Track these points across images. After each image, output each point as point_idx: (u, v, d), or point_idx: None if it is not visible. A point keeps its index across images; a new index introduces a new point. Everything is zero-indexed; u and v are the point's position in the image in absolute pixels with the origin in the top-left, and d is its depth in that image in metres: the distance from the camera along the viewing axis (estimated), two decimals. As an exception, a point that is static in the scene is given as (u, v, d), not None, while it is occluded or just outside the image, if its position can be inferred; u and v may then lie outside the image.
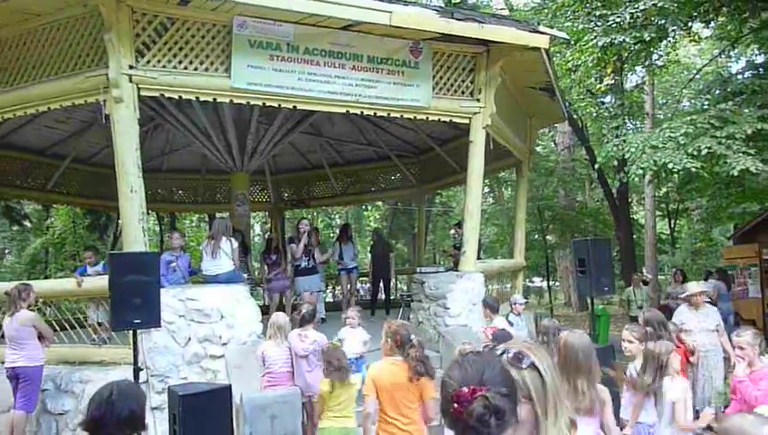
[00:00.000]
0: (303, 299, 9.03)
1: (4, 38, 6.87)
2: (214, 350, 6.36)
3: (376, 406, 4.21)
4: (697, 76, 19.45)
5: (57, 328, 7.10)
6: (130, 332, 5.34)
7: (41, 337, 6.18)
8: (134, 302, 4.99)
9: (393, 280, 13.33)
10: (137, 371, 5.15)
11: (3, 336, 6.33)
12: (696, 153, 9.27)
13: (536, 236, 20.79)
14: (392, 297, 12.69)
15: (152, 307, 5.13)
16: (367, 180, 15.27)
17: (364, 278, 14.21)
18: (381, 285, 12.19)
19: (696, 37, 13.34)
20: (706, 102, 15.30)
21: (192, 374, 6.25)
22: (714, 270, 13.69)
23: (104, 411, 2.50)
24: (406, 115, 7.88)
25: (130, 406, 2.55)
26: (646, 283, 12.86)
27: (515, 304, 8.12)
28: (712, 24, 12.95)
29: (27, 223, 22.04)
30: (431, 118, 8.00)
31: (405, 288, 15.83)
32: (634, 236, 19.06)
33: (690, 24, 11.51)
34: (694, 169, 9.24)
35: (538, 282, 29.12)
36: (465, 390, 1.48)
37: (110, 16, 6.10)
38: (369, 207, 29.06)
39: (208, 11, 6.54)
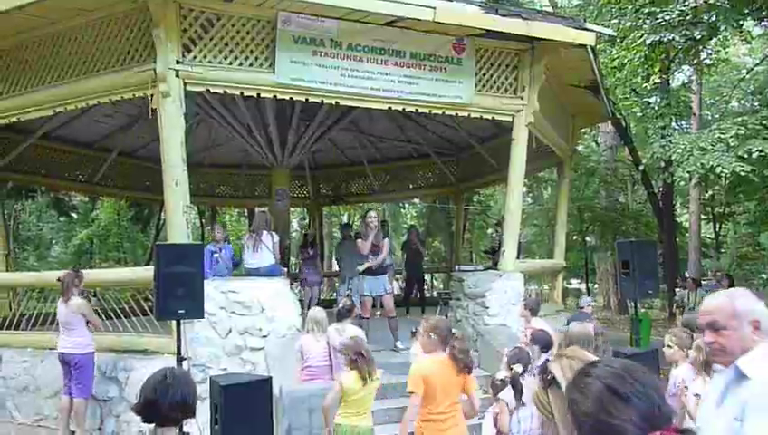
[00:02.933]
0: (363, 302, 8.05)
1: (58, 33, 7.06)
2: (254, 342, 6.44)
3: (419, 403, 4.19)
4: (748, 76, 18.85)
5: (102, 317, 7.28)
6: (173, 322, 5.44)
7: (88, 323, 6.35)
8: (178, 292, 5.07)
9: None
10: (180, 360, 5.23)
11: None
12: (746, 156, 9.00)
13: (575, 238, 20.44)
14: (427, 295, 12.67)
15: (196, 298, 5.21)
16: (405, 178, 15.29)
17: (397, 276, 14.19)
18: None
19: (748, 36, 12.91)
20: (758, 103, 14.85)
21: (232, 365, 6.34)
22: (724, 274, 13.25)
23: (159, 394, 2.52)
24: (448, 112, 7.83)
25: (183, 391, 2.58)
26: (683, 287, 12.56)
27: (585, 305, 8.28)
28: (764, 21, 12.53)
29: (74, 214, 22.66)
30: (473, 115, 7.94)
31: (441, 286, 15.77)
32: (677, 240, 18.60)
33: (742, 22, 11.14)
34: (743, 173, 8.96)
35: (576, 284, 28.65)
36: None
37: (158, 12, 6.22)
38: (407, 205, 29.02)
39: (253, 7, 6.61)
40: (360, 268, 8.02)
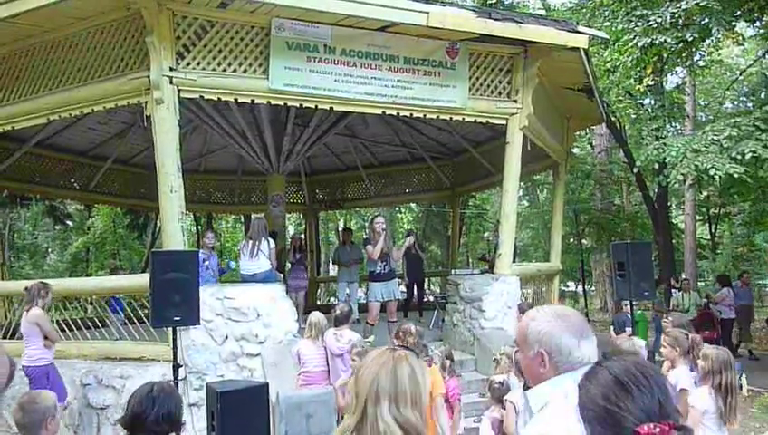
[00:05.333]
0: (370, 308, 7.98)
1: (52, 42, 7.05)
2: (250, 348, 6.43)
3: None
4: (741, 77, 18.96)
5: (99, 325, 7.27)
6: (170, 329, 5.43)
7: (47, 337, 6.16)
8: (174, 299, 5.06)
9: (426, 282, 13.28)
10: (176, 367, 5.22)
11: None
12: (739, 157, 9.03)
13: (572, 240, 20.49)
14: (425, 299, 12.65)
15: (191, 305, 5.21)
16: (401, 182, 15.29)
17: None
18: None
19: (740, 38, 12.98)
20: (751, 104, 14.93)
21: (229, 372, 6.32)
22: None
23: (145, 407, 2.56)
24: (442, 116, 7.86)
25: (169, 405, 2.62)
26: (679, 288, 12.61)
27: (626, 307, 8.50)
28: (757, 23, 12.59)
29: (70, 222, 22.62)
30: (467, 119, 7.96)
31: (438, 290, 15.77)
32: (673, 241, 18.65)
33: (734, 23, 11.19)
34: (736, 175, 8.99)
35: (573, 286, 28.68)
36: (655, 429, 1.25)
37: (151, 19, 6.22)
38: (403, 209, 29.06)
39: (247, 13, 6.61)
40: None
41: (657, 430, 1.23)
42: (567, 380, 1.77)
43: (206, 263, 8.12)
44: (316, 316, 6.09)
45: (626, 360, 1.49)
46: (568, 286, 28.60)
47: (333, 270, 14.81)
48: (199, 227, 22.07)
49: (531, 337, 1.86)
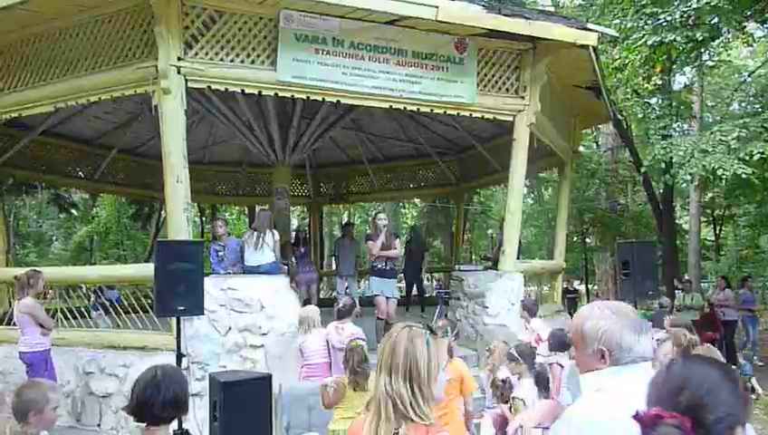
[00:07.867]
0: (378, 303, 7.85)
1: (60, 29, 7.05)
2: (253, 340, 6.44)
3: None
4: (749, 79, 18.84)
5: (102, 313, 7.28)
6: (173, 319, 5.44)
7: (41, 325, 6.18)
8: (178, 289, 5.06)
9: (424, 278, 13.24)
10: (179, 357, 5.23)
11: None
12: (747, 158, 9.00)
13: (575, 239, 20.45)
14: (426, 295, 12.65)
15: (196, 295, 5.20)
16: (406, 177, 15.26)
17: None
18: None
19: (750, 39, 12.90)
20: (759, 106, 14.85)
21: (231, 363, 6.34)
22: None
23: (150, 393, 2.53)
24: (449, 112, 7.82)
25: (175, 388, 2.59)
26: (682, 289, 12.58)
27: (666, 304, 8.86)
28: (767, 24, 12.51)
29: (74, 211, 22.66)
30: (474, 115, 7.93)
31: (441, 286, 15.73)
32: (677, 242, 18.59)
33: (744, 23, 11.12)
34: (744, 175, 8.96)
35: (576, 285, 28.64)
36: (650, 413, 1.28)
37: (159, 9, 6.21)
38: (407, 205, 29.03)
39: (255, 4, 6.60)
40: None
41: (649, 413, 1.28)
42: (624, 372, 1.82)
43: (221, 254, 8.09)
44: (306, 311, 6.08)
45: (694, 361, 1.48)
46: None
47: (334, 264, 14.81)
48: (204, 219, 22.10)
49: (589, 335, 1.87)
